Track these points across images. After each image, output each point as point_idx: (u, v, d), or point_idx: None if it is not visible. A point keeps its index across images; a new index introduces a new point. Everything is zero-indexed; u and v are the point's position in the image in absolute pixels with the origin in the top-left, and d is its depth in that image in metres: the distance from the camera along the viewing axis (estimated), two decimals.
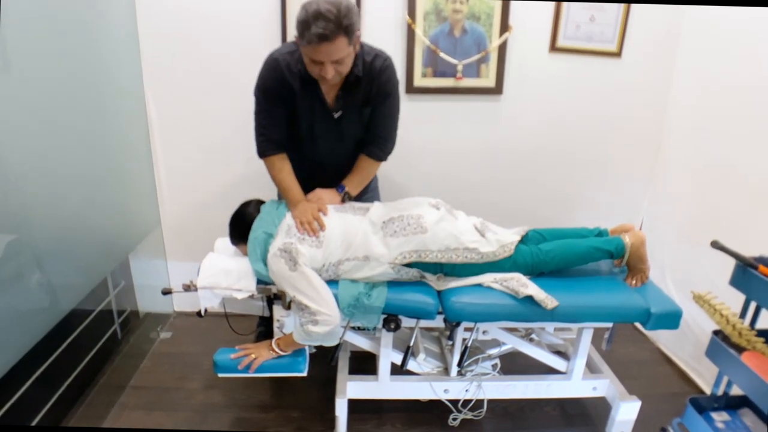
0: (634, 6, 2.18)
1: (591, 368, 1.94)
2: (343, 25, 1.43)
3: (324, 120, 1.71)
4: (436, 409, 1.86)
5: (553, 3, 2.15)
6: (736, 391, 1.64)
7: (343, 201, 1.77)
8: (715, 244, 1.53)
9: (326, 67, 1.50)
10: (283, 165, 1.75)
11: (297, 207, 1.68)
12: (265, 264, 1.57)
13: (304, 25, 1.44)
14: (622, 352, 2.34)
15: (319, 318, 1.48)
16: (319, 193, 1.75)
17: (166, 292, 1.70)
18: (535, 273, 1.67)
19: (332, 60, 1.49)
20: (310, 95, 1.65)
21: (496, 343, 1.87)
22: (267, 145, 1.73)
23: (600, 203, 2.50)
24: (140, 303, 2.37)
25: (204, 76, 2.17)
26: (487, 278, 1.61)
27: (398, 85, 1.73)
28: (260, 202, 1.76)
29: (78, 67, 1.74)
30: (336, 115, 1.70)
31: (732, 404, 1.74)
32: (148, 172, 2.28)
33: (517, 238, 1.67)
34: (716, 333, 1.61)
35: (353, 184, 1.81)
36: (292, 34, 2.08)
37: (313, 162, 1.80)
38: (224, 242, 1.80)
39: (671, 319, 1.63)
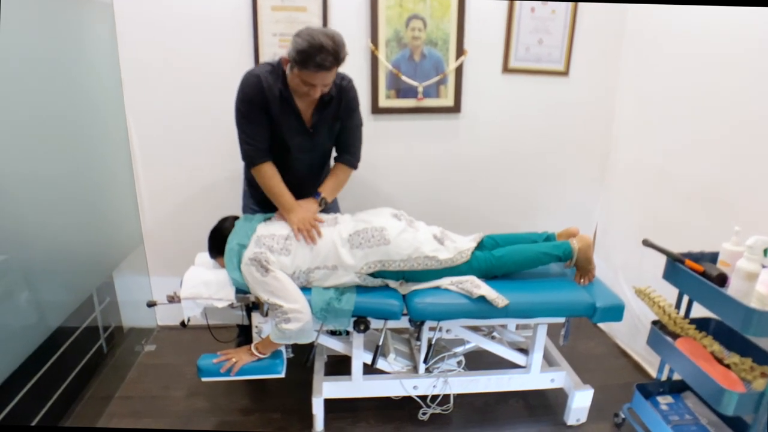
0: (578, 29, 2.39)
1: (549, 362, 2.10)
2: (339, 57, 1.63)
3: (300, 135, 1.84)
4: (407, 406, 1.99)
5: (504, 29, 2.34)
6: (679, 376, 1.79)
7: (321, 206, 1.89)
8: (646, 242, 1.70)
9: (317, 89, 1.69)
10: (273, 172, 1.85)
11: (293, 213, 1.81)
12: (241, 272, 1.69)
13: (305, 54, 1.59)
14: (582, 347, 2.51)
15: (291, 316, 1.61)
16: (301, 203, 1.85)
17: (151, 304, 1.81)
18: (490, 276, 1.82)
19: (324, 84, 1.69)
20: (288, 112, 1.79)
21: (461, 342, 2.01)
22: (256, 153, 1.82)
23: (556, 210, 2.69)
24: (124, 318, 2.44)
25: (183, 103, 2.28)
26: (444, 281, 1.75)
27: (359, 100, 1.91)
28: (236, 218, 1.88)
29: (62, 95, 1.82)
30: (311, 131, 1.85)
31: (675, 388, 1.91)
32: (131, 192, 2.37)
33: (473, 244, 1.82)
34: (655, 323, 1.78)
35: (329, 190, 1.94)
36: (264, 61, 2.22)
37: (286, 170, 1.89)
38: (204, 256, 1.91)
39: (615, 312, 1.79)
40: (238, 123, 1.81)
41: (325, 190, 1.93)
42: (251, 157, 1.84)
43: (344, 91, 1.83)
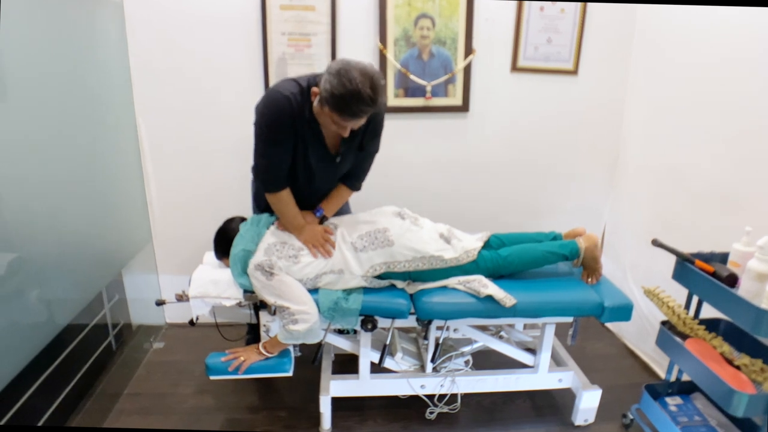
0: (587, 28, 2.37)
1: (557, 362, 2.09)
2: (377, 104, 1.50)
3: (325, 162, 1.75)
4: (414, 405, 1.99)
5: (513, 27, 2.33)
6: (688, 377, 1.78)
7: (320, 223, 1.86)
8: (655, 242, 1.69)
9: (347, 130, 1.58)
10: (289, 197, 1.77)
11: (304, 232, 1.76)
12: (247, 276, 1.69)
13: (341, 100, 1.46)
14: (590, 348, 2.50)
15: (298, 317, 1.61)
16: (306, 219, 1.81)
17: (160, 302, 1.82)
18: (496, 275, 1.81)
19: (356, 126, 1.59)
20: (314, 140, 1.68)
21: (469, 341, 2.01)
22: (277, 182, 1.73)
23: (564, 210, 2.67)
24: (133, 316, 2.47)
25: (192, 102, 2.30)
26: (452, 281, 1.75)
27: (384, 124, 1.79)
28: (242, 219, 1.87)
29: (72, 94, 1.83)
30: (337, 160, 1.76)
31: (684, 389, 1.90)
32: (140, 191, 2.39)
33: (480, 244, 1.82)
34: (664, 323, 1.77)
35: (330, 208, 1.90)
36: (273, 60, 2.24)
37: (302, 192, 1.82)
38: (212, 255, 1.91)
39: (623, 311, 1.78)
40: (260, 149, 1.68)
41: (327, 208, 1.89)
42: (271, 187, 1.74)
43: (374, 115, 1.68)
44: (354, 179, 1.91)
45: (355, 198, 2.09)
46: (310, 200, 1.88)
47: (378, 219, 1.79)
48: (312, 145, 1.69)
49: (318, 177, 1.81)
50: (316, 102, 1.58)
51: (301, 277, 1.70)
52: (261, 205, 1.95)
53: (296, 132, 1.65)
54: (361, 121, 1.57)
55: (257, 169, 1.76)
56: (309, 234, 1.76)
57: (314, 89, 1.57)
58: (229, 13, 2.20)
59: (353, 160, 1.83)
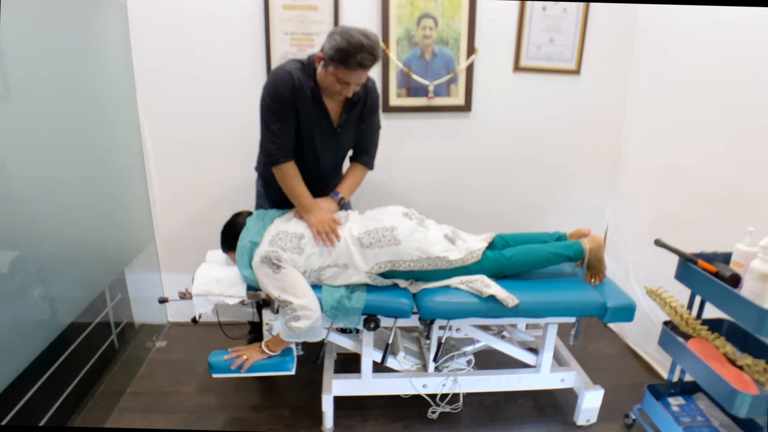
0: (589, 28, 2.37)
1: (560, 362, 2.09)
2: (377, 57, 1.65)
3: (327, 134, 1.84)
4: (416, 405, 1.98)
5: (515, 27, 2.34)
6: (690, 377, 1.79)
7: (340, 206, 1.91)
8: (658, 242, 1.69)
9: (350, 87, 1.70)
10: (296, 171, 1.83)
11: (312, 214, 1.79)
12: (252, 269, 1.70)
13: (345, 53, 1.60)
14: (592, 348, 2.50)
15: (300, 313, 1.61)
16: (320, 203, 1.86)
17: (163, 300, 1.83)
18: (500, 276, 1.81)
19: (358, 83, 1.70)
20: (317, 111, 1.78)
21: (471, 341, 2.01)
22: (280, 153, 1.78)
23: (567, 209, 2.67)
24: (136, 314, 2.46)
25: (195, 102, 2.30)
26: (454, 281, 1.75)
27: (379, 102, 1.94)
28: (249, 214, 1.88)
29: (76, 94, 1.83)
30: (338, 130, 1.85)
31: (687, 389, 1.90)
32: (143, 190, 2.39)
33: (484, 245, 1.82)
34: (666, 323, 1.76)
35: (347, 190, 1.96)
36: (275, 60, 2.24)
37: (309, 168, 1.88)
38: (215, 254, 1.93)
39: (626, 312, 1.77)
40: (265, 120, 1.78)
41: (344, 189, 1.95)
42: (275, 157, 1.79)
43: (370, 92, 1.85)
44: (365, 155, 1.98)
45: (359, 197, 2.09)
46: (327, 185, 1.94)
47: (386, 217, 1.80)
48: (315, 117, 1.78)
49: (322, 155, 1.87)
50: (320, 67, 1.71)
51: (305, 269, 1.71)
52: (271, 196, 1.97)
53: (299, 106, 1.74)
54: (364, 77, 1.70)
55: (263, 144, 1.84)
56: (317, 217, 1.78)
57: (318, 54, 1.71)
58: (233, 13, 2.20)
59: (354, 133, 1.91)
